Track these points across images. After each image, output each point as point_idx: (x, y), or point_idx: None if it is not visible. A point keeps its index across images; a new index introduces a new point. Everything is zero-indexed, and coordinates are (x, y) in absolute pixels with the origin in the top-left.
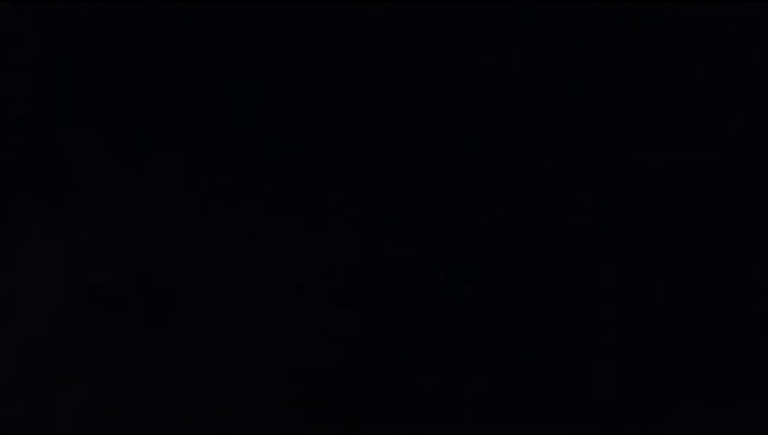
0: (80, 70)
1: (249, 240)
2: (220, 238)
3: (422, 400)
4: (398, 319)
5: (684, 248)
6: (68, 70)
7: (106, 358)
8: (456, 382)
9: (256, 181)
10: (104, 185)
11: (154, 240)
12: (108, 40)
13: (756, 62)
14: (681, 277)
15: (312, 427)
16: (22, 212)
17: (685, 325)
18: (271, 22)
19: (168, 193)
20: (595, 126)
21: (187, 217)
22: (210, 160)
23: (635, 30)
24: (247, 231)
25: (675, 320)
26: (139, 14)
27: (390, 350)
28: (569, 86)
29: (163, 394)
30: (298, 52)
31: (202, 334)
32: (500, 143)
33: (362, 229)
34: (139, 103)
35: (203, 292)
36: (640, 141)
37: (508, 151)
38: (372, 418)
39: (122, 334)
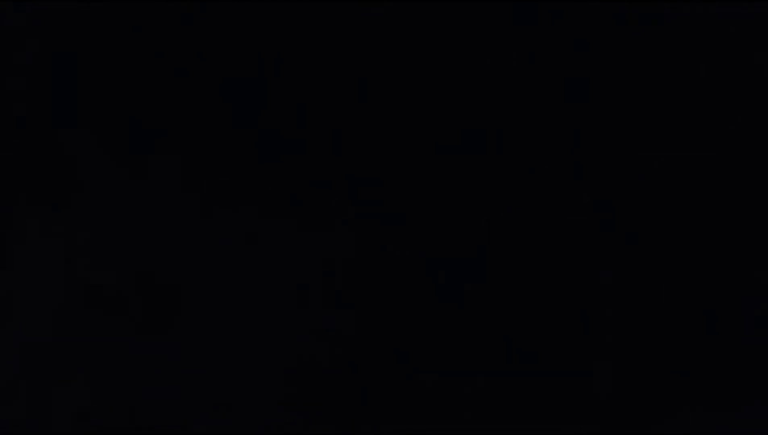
0: (80, 70)
1: (249, 240)
2: (220, 238)
3: (422, 400)
4: (398, 319)
5: (684, 248)
6: (68, 70)
7: (106, 358)
8: (456, 382)
9: (256, 181)
10: (104, 185)
11: (154, 240)
12: (108, 40)
13: (756, 62)
14: (681, 277)
15: (312, 427)
16: (22, 212)
17: (685, 325)
18: (271, 22)
19: (168, 193)
20: (595, 126)
21: (187, 217)
22: (210, 160)
23: (635, 30)
24: (247, 231)
25: (675, 320)
26: (139, 14)
27: (390, 350)
28: (569, 86)
29: (163, 394)
30: (298, 52)
31: (202, 334)
32: (500, 143)
33: (362, 229)
34: (139, 103)
35: (203, 292)
36: (640, 141)
37: (508, 151)
38: (372, 418)
39: (122, 334)
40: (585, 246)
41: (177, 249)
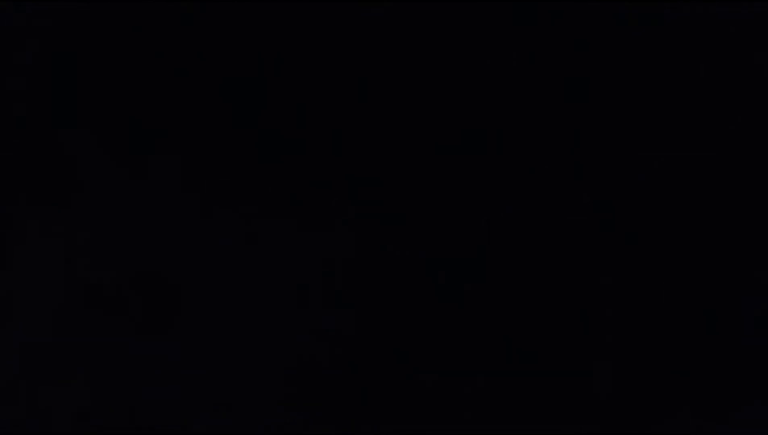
0: (80, 70)
1: (249, 240)
2: (220, 238)
3: (422, 400)
4: (398, 319)
5: (684, 248)
6: (68, 70)
7: (106, 358)
8: (456, 382)
9: (256, 181)
10: (104, 185)
11: (154, 240)
12: (108, 40)
13: (756, 62)
14: (681, 277)
15: (312, 427)
16: (22, 212)
17: (685, 325)
18: (271, 22)
19: (168, 193)
20: (595, 126)
21: (187, 217)
22: (210, 160)
23: (635, 30)
24: (247, 231)
25: (675, 320)
26: (139, 14)
27: (390, 350)
28: (569, 86)
29: (163, 394)
30: (298, 52)
31: (202, 334)
32: (500, 143)
33: (362, 229)
34: (139, 103)
35: (203, 292)
36: (640, 141)
37: (508, 151)
38: (372, 418)
39: (122, 334)
40: (585, 246)
41: (177, 249)
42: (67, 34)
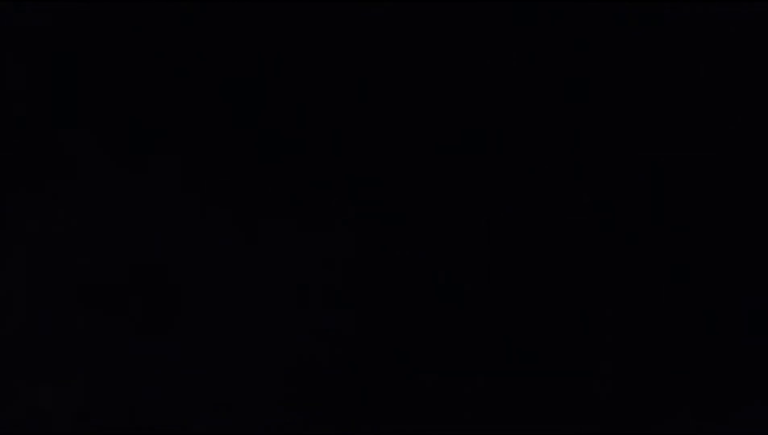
0: (80, 70)
1: (249, 240)
2: (220, 238)
3: (422, 400)
4: (398, 319)
5: (684, 248)
6: (68, 70)
7: (106, 358)
8: (456, 382)
9: (256, 181)
10: (104, 185)
11: (155, 240)
12: (108, 40)
13: (756, 62)
14: (681, 277)
15: (312, 427)
16: (22, 212)
17: (685, 325)
18: (271, 22)
19: (168, 192)
20: (595, 126)
21: (187, 217)
22: (210, 160)
23: (635, 30)
24: (247, 231)
25: (675, 320)
26: (139, 14)
27: (390, 350)
28: (569, 86)
29: (163, 394)
30: (298, 52)
31: (202, 334)
32: (500, 143)
33: (362, 229)
34: (139, 103)
35: (203, 292)
36: (640, 141)
37: (508, 151)
38: (372, 418)
39: (122, 334)
40: (585, 246)
41: (177, 249)
42: (67, 34)
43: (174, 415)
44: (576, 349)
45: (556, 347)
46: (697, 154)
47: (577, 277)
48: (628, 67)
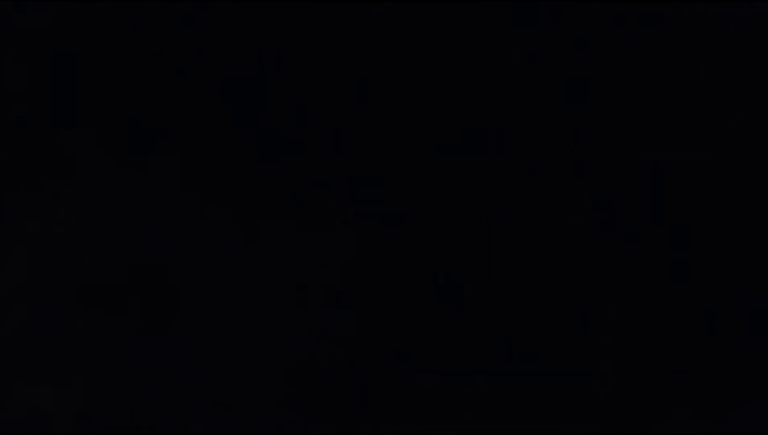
0: (80, 70)
1: (249, 240)
2: (220, 238)
3: (422, 400)
4: (398, 319)
5: (684, 248)
6: (68, 70)
7: (106, 358)
8: (456, 382)
9: (256, 181)
10: (104, 185)
11: (155, 240)
12: (108, 40)
13: (756, 62)
14: (681, 277)
15: (312, 427)
16: (22, 212)
17: (685, 325)
18: (271, 22)
19: (168, 192)
20: (595, 126)
21: (187, 217)
22: (210, 160)
23: (635, 30)
24: (247, 231)
25: (675, 320)
26: (139, 14)
27: (390, 350)
28: (569, 86)
29: (163, 394)
30: (298, 52)
31: (202, 334)
32: (500, 143)
33: (362, 229)
34: (139, 103)
35: (203, 292)
36: (640, 141)
37: (508, 151)
38: (372, 418)
39: (122, 334)
40: (585, 246)
41: (177, 249)
42: (67, 34)
43: (174, 415)
44: (576, 349)
45: (556, 347)
46: (697, 154)
47: (577, 277)
48: (628, 67)
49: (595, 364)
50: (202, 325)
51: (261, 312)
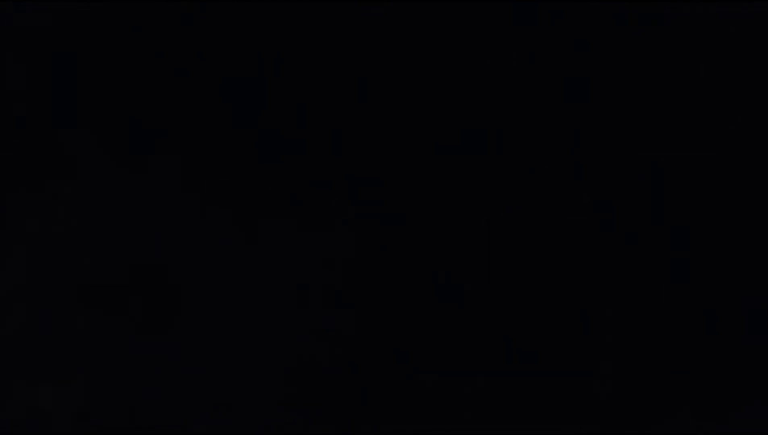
0: (80, 70)
1: (249, 240)
2: (220, 238)
3: (422, 400)
4: (398, 319)
5: (684, 248)
6: (68, 70)
7: (106, 358)
8: (456, 382)
9: (256, 181)
10: (104, 185)
11: (155, 240)
12: (108, 40)
13: (756, 62)
14: (681, 277)
15: (312, 427)
16: (22, 212)
17: (685, 325)
18: (271, 22)
19: (168, 192)
20: (595, 126)
21: (187, 216)
22: (210, 160)
23: (635, 30)
24: (247, 231)
25: (675, 320)
26: (139, 14)
27: (390, 350)
28: (569, 86)
29: (163, 394)
30: (298, 52)
31: (202, 334)
32: (500, 143)
33: (362, 229)
34: (139, 103)
35: (203, 292)
36: (640, 141)
37: (508, 151)
38: (372, 418)
39: (122, 334)
40: (585, 246)
41: (177, 249)
42: (67, 34)
43: (174, 415)
44: (576, 349)
45: (556, 347)
46: (697, 154)
47: (577, 277)
48: (628, 67)
49: (595, 364)
50: (202, 325)
51: (261, 312)
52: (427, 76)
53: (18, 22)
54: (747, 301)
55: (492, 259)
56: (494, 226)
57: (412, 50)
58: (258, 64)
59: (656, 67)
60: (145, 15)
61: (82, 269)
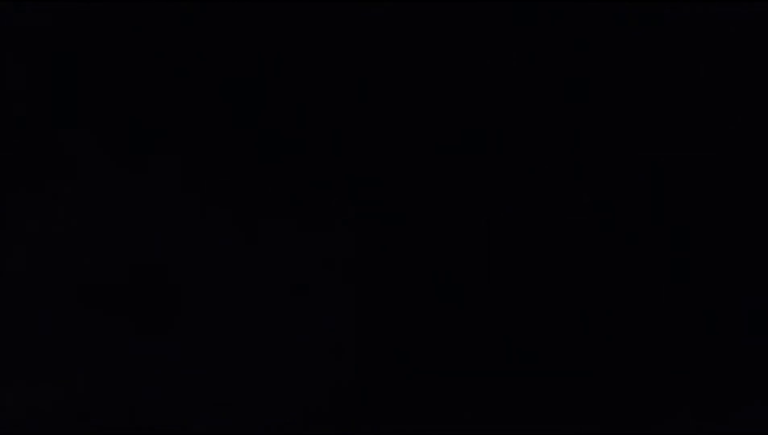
0: (80, 70)
1: (249, 240)
2: (220, 238)
3: (422, 400)
4: (398, 319)
5: (684, 248)
6: (68, 70)
7: (106, 358)
8: (456, 382)
9: (256, 181)
10: (104, 185)
11: (155, 240)
12: (108, 40)
13: (756, 62)
14: (681, 277)
15: (312, 427)
16: (22, 212)
17: (685, 325)
18: (271, 22)
19: (168, 192)
20: (595, 126)
21: (187, 216)
22: (210, 160)
23: (635, 30)
24: (247, 231)
25: (675, 320)
26: (139, 14)
27: (390, 350)
28: (569, 86)
29: (163, 394)
30: (298, 52)
31: (202, 334)
32: (500, 143)
33: (362, 229)
34: (139, 103)
35: (203, 292)
36: (640, 141)
37: (508, 151)
38: (372, 418)
39: (122, 334)
40: (585, 246)
41: (177, 249)
42: (67, 34)
43: (174, 415)
44: (576, 349)
45: (556, 347)
46: (697, 154)
47: (577, 277)
48: (628, 67)
49: (595, 364)
50: (202, 325)
51: (261, 312)
52: (427, 76)
53: (18, 22)
54: (747, 301)
55: (492, 259)
56: (494, 226)
57: (412, 50)
58: (258, 64)
59: (656, 67)
60: (145, 15)
61: (82, 269)
